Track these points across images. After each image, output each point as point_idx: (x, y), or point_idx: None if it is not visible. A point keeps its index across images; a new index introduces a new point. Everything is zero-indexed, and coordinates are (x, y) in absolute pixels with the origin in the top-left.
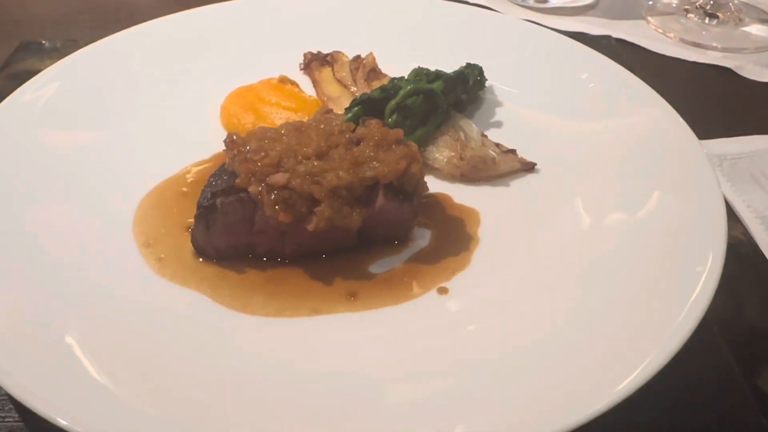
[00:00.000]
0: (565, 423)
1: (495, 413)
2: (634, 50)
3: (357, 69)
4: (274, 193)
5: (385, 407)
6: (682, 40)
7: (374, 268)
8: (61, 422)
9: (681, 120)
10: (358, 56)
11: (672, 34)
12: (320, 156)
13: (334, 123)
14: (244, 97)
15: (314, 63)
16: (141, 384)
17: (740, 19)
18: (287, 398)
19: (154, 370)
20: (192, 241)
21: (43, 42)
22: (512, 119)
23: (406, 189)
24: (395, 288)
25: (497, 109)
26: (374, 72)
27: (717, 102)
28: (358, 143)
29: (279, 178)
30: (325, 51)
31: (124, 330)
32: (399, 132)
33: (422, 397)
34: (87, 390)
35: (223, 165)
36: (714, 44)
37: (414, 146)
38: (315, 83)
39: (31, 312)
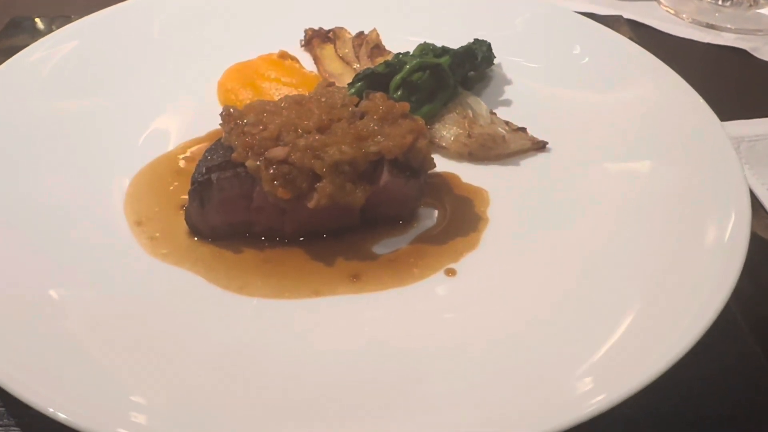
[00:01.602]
0: (580, 413)
1: (507, 400)
2: (646, 31)
3: (360, 46)
4: (273, 168)
5: (389, 392)
6: (695, 21)
7: (378, 248)
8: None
9: (698, 96)
10: (361, 32)
11: (684, 15)
12: (322, 130)
13: (336, 96)
14: (242, 73)
15: (315, 40)
16: (133, 369)
17: (755, 0)
18: (286, 383)
19: (147, 354)
20: (186, 219)
21: (36, 18)
22: (522, 97)
23: (412, 165)
24: (400, 269)
25: (506, 87)
26: (378, 48)
27: (733, 84)
28: (361, 117)
29: (278, 151)
30: (326, 27)
31: (115, 313)
32: (405, 105)
33: (428, 383)
34: (76, 375)
35: (219, 139)
36: (728, 25)
37: (421, 120)
38: (316, 60)
39: (13, 291)
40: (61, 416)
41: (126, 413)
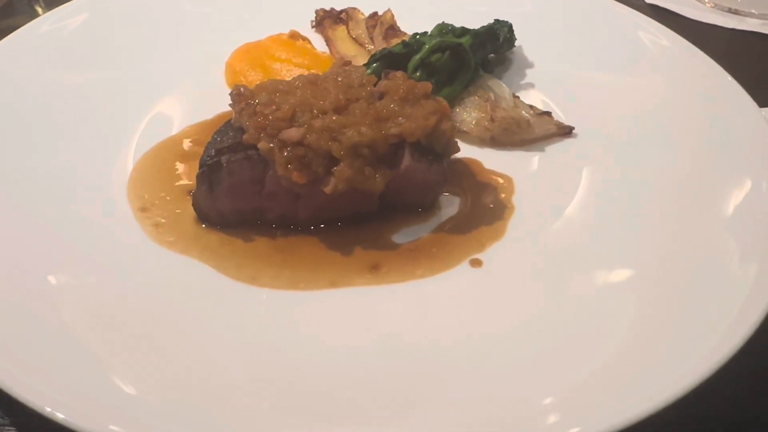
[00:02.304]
0: (619, 418)
1: (541, 402)
2: (668, 16)
3: (374, 26)
4: (287, 151)
5: (410, 390)
6: (717, 6)
7: (398, 237)
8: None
9: (733, 80)
10: (375, 13)
11: (707, 0)
12: (339, 110)
13: (353, 75)
14: (252, 54)
15: (327, 20)
16: (137, 363)
17: None
18: (301, 380)
19: (151, 348)
20: (194, 205)
21: None
22: (544, 81)
23: (435, 149)
24: (422, 259)
25: (527, 71)
26: (393, 30)
27: (760, 70)
28: (380, 97)
29: (293, 133)
30: (338, 7)
31: (117, 305)
32: (427, 85)
33: (451, 382)
34: (73, 371)
35: (229, 120)
36: (752, 10)
37: (444, 101)
38: (328, 42)
39: (7, 282)
40: (59, 416)
41: (123, 411)
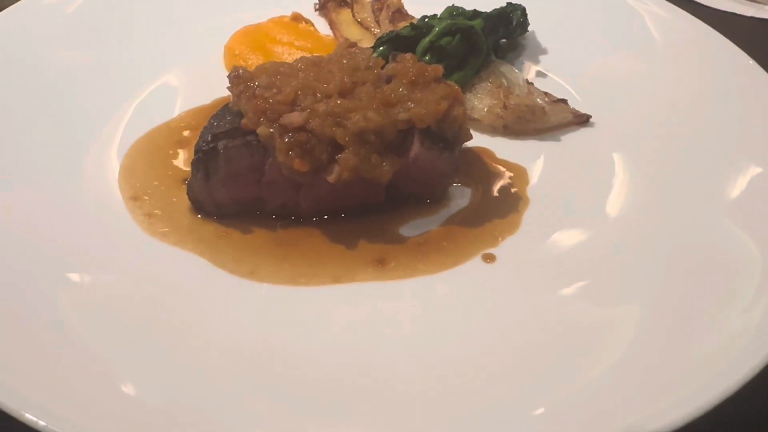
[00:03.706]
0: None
1: (556, 411)
2: (685, 4)
3: (380, 10)
4: (289, 136)
5: (418, 392)
6: None
7: (405, 230)
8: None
9: (754, 63)
10: None
11: None
12: (344, 94)
13: (360, 57)
14: (252, 36)
15: (331, 3)
16: (130, 363)
17: None
18: (302, 381)
19: (144, 346)
20: (188, 194)
21: None
22: (559, 67)
23: (446, 136)
24: (431, 254)
25: (541, 56)
26: (400, 13)
27: None
28: (388, 81)
29: (295, 117)
30: None
31: (108, 299)
32: (438, 68)
33: (461, 385)
34: (63, 370)
35: (227, 104)
36: None
37: (456, 85)
38: (332, 25)
39: None
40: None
41: (117, 411)
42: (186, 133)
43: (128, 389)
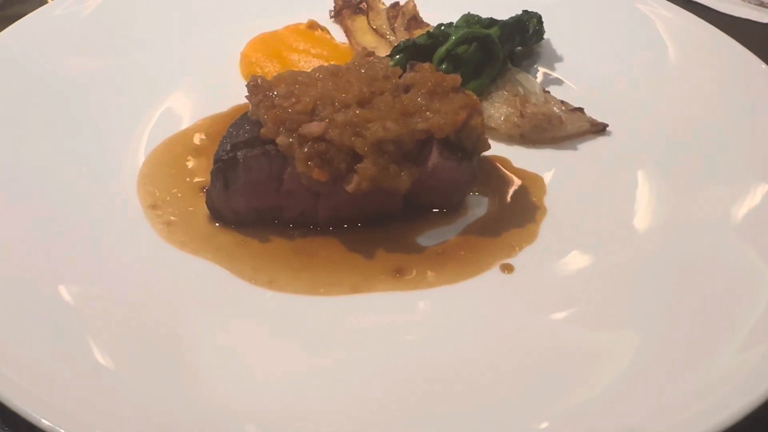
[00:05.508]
0: None
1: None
2: (699, 11)
3: (395, 17)
4: (308, 146)
5: (438, 404)
6: (750, 0)
7: (423, 240)
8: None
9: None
10: (397, 3)
11: None
12: (362, 104)
13: (377, 67)
14: (268, 44)
15: (346, 10)
16: (146, 372)
17: None
18: (321, 391)
19: (161, 354)
20: (207, 202)
21: None
22: (575, 75)
23: (464, 146)
24: (450, 264)
25: (557, 64)
26: (415, 20)
27: None
28: (407, 90)
29: (314, 127)
30: None
31: (125, 308)
32: (456, 78)
33: (481, 398)
34: (78, 379)
35: (246, 113)
36: None
37: (474, 95)
38: (347, 32)
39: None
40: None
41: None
42: (204, 141)
43: (144, 399)
